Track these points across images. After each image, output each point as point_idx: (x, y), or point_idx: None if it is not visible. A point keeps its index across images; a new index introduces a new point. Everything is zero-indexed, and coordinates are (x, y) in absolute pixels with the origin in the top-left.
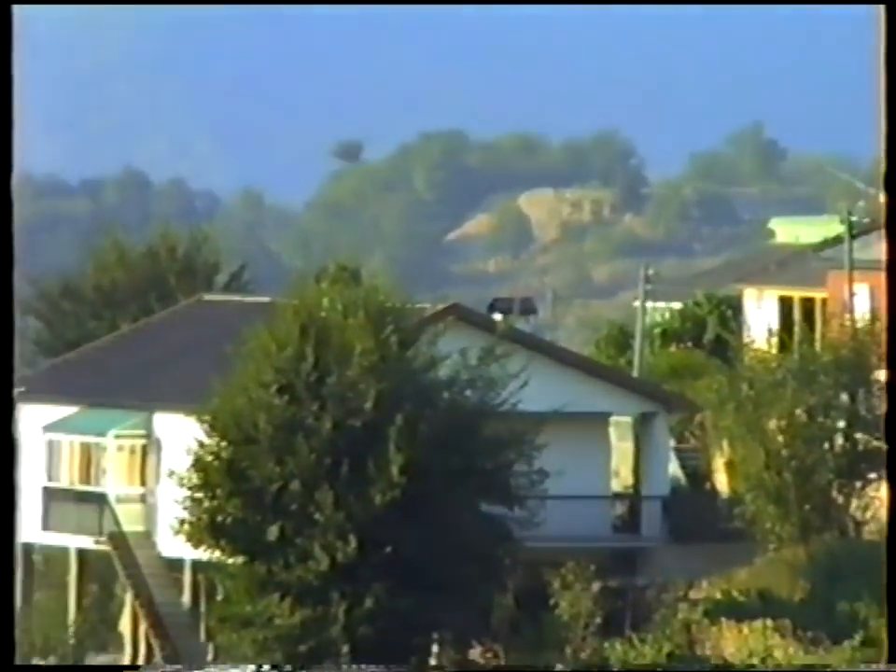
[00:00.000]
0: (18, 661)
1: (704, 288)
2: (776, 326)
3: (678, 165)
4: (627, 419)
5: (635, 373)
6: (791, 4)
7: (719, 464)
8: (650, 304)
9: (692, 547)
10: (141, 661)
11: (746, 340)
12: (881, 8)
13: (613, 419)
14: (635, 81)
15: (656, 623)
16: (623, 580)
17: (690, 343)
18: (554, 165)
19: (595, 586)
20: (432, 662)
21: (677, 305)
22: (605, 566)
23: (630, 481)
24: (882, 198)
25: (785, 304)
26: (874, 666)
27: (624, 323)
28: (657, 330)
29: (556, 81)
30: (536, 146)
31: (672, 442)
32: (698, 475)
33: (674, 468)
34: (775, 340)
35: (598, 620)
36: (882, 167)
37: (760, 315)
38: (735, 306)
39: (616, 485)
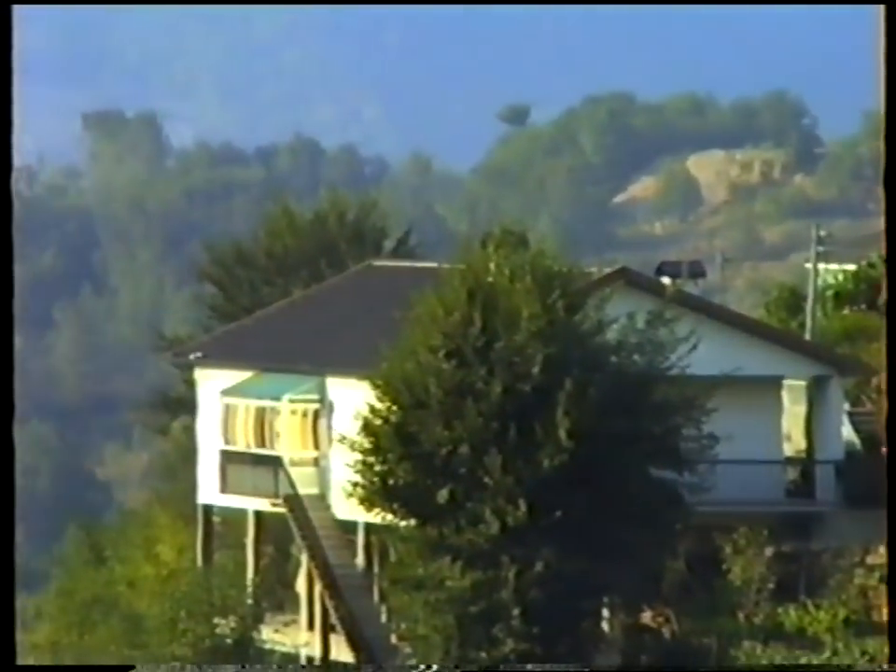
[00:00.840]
0: (199, 618)
1: (878, 250)
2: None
3: (851, 124)
4: (800, 383)
5: (807, 336)
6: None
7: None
8: (822, 266)
9: (868, 512)
10: (317, 621)
11: None
12: (881, 8)
13: (786, 383)
14: (806, 39)
15: (831, 588)
16: (797, 545)
17: (864, 306)
18: (723, 126)
19: (769, 551)
20: (604, 626)
21: (850, 267)
22: (778, 531)
23: (803, 445)
24: None
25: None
26: (874, 666)
27: (796, 285)
28: (830, 293)
29: (723, 40)
30: (704, 106)
31: (846, 406)
32: (874, 439)
33: (848, 431)
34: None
35: (771, 585)
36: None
37: None
38: None
39: (789, 450)
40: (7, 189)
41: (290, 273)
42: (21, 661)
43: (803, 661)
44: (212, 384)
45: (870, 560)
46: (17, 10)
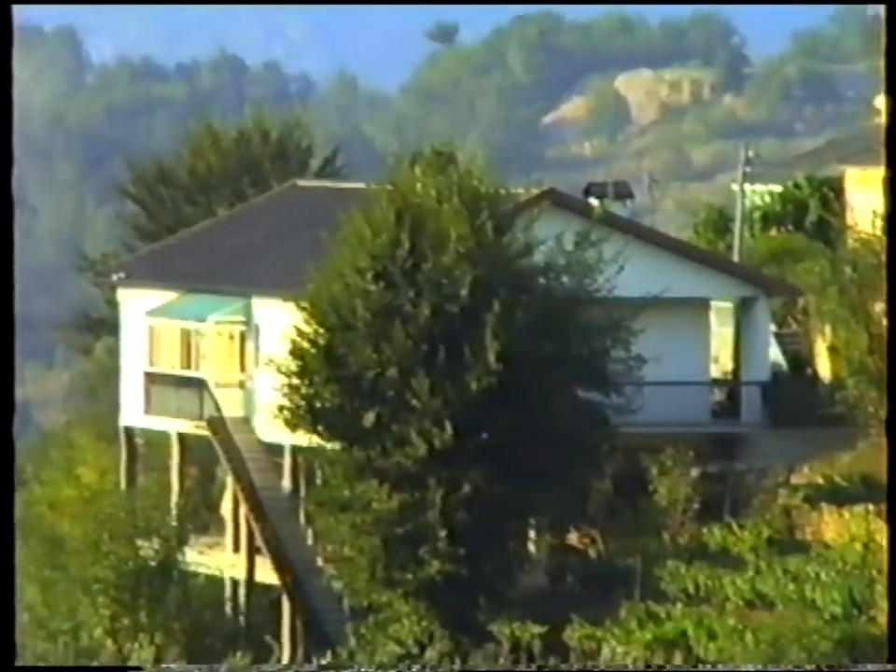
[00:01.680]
0: (122, 540)
1: (805, 170)
2: (880, 208)
3: (780, 43)
4: (727, 304)
5: (734, 258)
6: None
7: (821, 348)
8: (749, 187)
9: (792, 432)
10: (242, 543)
11: (849, 222)
12: (881, 8)
13: (713, 304)
14: None
15: (755, 508)
16: (723, 465)
17: (791, 227)
18: (653, 45)
19: (694, 472)
20: (530, 547)
21: (777, 188)
22: (704, 451)
23: (730, 366)
24: None
25: (891, 186)
26: (875, 667)
27: (724, 206)
28: (757, 214)
29: None
30: (633, 25)
31: (773, 328)
32: (800, 360)
33: (775, 353)
34: (879, 222)
35: (696, 505)
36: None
37: (863, 197)
38: (838, 188)
39: (715, 371)
40: (8, 189)
41: (214, 191)
42: None
43: (726, 580)
44: (135, 304)
45: (794, 480)
46: None
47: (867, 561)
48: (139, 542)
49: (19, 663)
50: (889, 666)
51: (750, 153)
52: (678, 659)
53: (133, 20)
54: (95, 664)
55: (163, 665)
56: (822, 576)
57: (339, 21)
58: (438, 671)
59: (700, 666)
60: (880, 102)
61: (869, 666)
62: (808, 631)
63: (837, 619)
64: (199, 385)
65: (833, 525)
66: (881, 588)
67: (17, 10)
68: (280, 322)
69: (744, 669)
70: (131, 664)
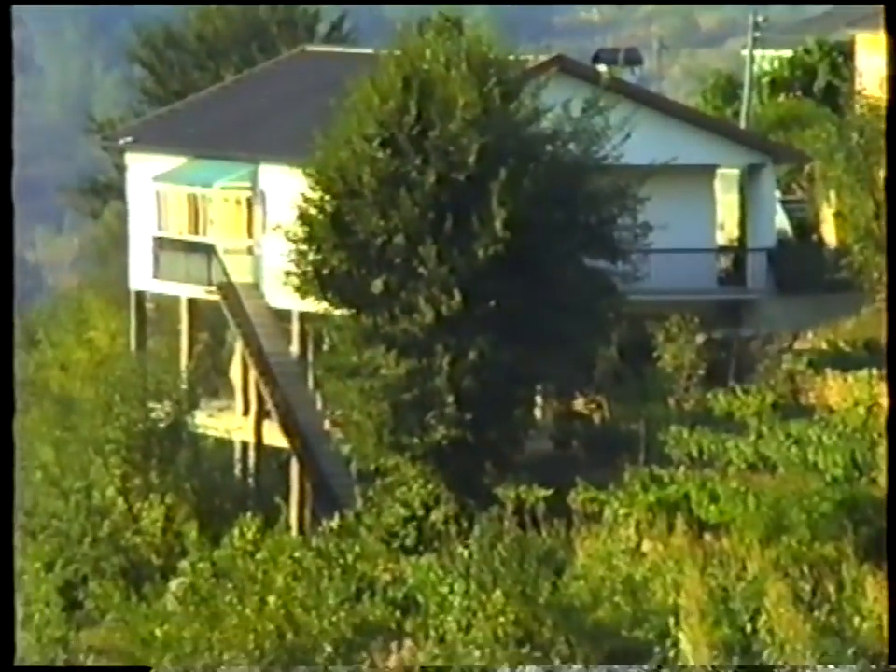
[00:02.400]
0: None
1: (815, 34)
2: (889, 72)
3: None
4: (733, 171)
5: (742, 124)
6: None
7: (826, 215)
8: (758, 52)
9: (797, 298)
10: (251, 407)
11: (857, 87)
12: (880, 8)
13: (719, 171)
14: None
15: (760, 373)
16: (728, 331)
17: (799, 92)
18: None
19: (699, 338)
20: (536, 413)
21: (786, 53)
22: (709, 318)
23: (735, 233)
24: None
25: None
26: (874, 666)
27: (732, 72)
28: (765, 79)
29: None
30: None
31: (779, 194)
32: (805, 226)
33: (780, 219)
34: (887, 86)
35: (702, 371)
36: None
37: (873, 61)
38: (848, 52)
39: (721, 238)
40: (8, 189)
41: (221, 56)
42: None
43: (729, 444)
44: (143, 169)
45: (798, 345)
46: None
47: (869, 424)
48: (150, 405)
49: (32, 521)
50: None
51: (759, 18)
52: (680, 521)
53: None
54: (106, 522)
55: (167, 667)
56: (825, 439)
57: None
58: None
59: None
60: None
61: (870, 667)
62: (809, 493)
63: (839, 481)
64: (207, 250)
65: (836, 390)
66: (882, 451)
67: None
68: (287, 188)
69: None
70: (142, 522)
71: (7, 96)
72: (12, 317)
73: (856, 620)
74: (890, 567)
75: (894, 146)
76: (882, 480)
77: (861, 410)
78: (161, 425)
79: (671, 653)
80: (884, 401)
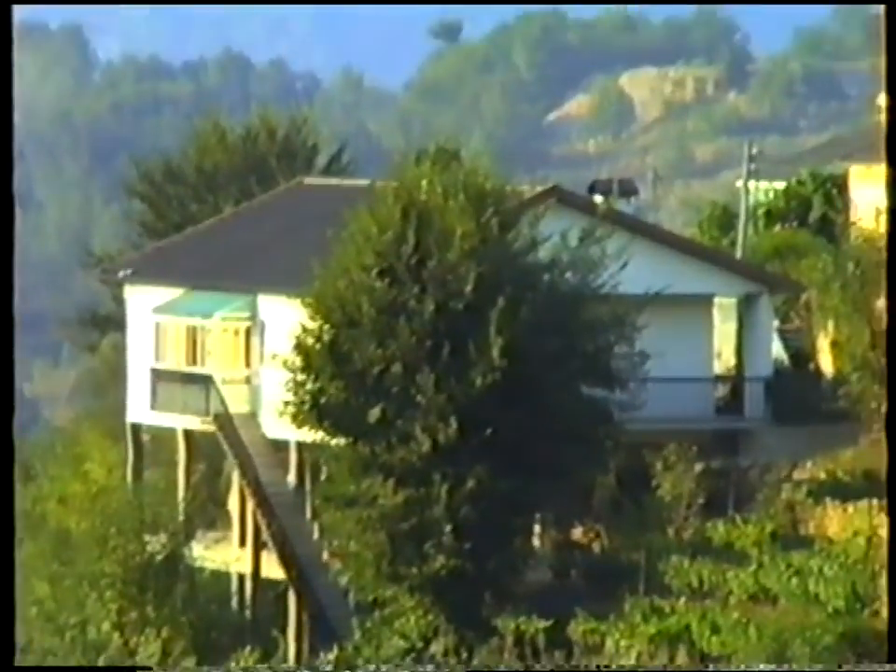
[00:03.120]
0: (129, 534)
1: (809, 167)
2: (883, 204)
3: (783, 40)
4: (730, 300)
5: (738, 254)
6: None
7: (823, 344)
8: (753, 184)
9: (795, 428)
10: (248, 538)
11: (852, 218)
12: (881, 8)
13: (716, 300)
14: None
15: (759, 503)
16: (726, 461)
17: (794, 223)
18: (656, 43)
19: (698, 467)
20: (535, 542)
21: (781, 184)
22: (707, 447)
23: (733, 362)
24: None
25: (894, 182)
26: (874, 666)
27: (727, 203)
28: (761, 210)
29: None
30: (636, 23)
31: (776, 323)
32: (802, 356)
33: (777, 349)
34: (882, 218)
35: (700, 500)
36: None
37: (867, 193)
38: (841, 184)
39: (719, 367)
40: (8, 189)
41: (220, 189)
42: None
43: (730, 574)
44: (142, 301)
45: (797, 475)
46: None
47: (870, 556)
48: (146, 537)
49: (28, 657)
50: (888, 667)
51: (754, 150)
52: (681, 653)
53: (140, 18)
54: (102, 657)
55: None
56: (826, 570)
57: (344, 18)
58: (444, 667)
59: (708, 665)
60: (882, 99)
61: (868, 666)
62: (811, 625)
63: (840, 613)
64: (205, 381)
65: (836, 520)
66: (884, 583)
67: (24, 8)
68: (286, 319)
69: (747, 670)
70: (138, 657)
71: (7, 96)
72: (12, 319)
73: None
74: (891, 566)
75: (894, 147)
76: (884, 612)
77: (862, 541)
78: (158, 557)
79: None
80: (883, 532)
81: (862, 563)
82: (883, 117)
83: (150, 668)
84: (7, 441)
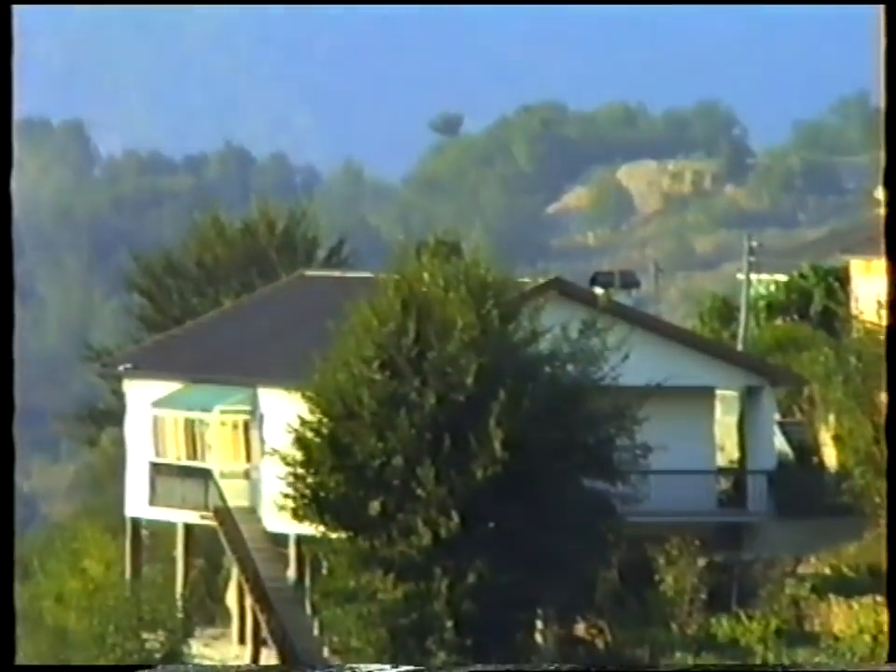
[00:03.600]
0: (127, 632)
1: (809, 260)
2: (884, 297)
3: (781, 134)
4: (732, 393)
5: (739, 347)
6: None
7: (826, 438)
8: (754, 276)
9: (799, 522)
10: (248, 634)
11: (854, 312)
12: (881, 8)
13: (718, 393)
14: (737, 50)
15: (763, 598)
16: (729, 555)
17: (796, 316)
18: (655, 136)
19: (701, 561)
20: (537, 637)
21: (782, 277)
22: (710, 541)
23: (735, 455)
24: None
25: (894, 275)
26: (874, 666)
27: (728, 295)
28: (762, 303)
29: (654, 50)
30: (636, 116)
31: (778, 416)
32: (805, 449)
33: (780, 442)
34: (884, 312)
35: (704, 595)
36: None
37: (868, 287)
38: (842, 277)
39: (721, 460)
40: (7, 189)
41: (221, 282)
42: None
43: None
44: (141, 395)
45: (801, 570)
46: None
47: (876, 653)
48: (144, 635)
49: None
50: (888, 666)
51: (754, 243)
52: None
53: (141, 112)
54: None
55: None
56: (832, 667)
57: (344, 111)
58: None
59: None
60: (881, 193)
61: (869, 667)
62: None
63: None
64: (204, 475)
65: (841, 617)
66: None
67: (25, 104)
68: (285, 412)
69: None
70: None
71: (7, 96)
72: (12, 318)
73: None
74: (890, 566)
75: (894, 147)
76: None
77: (868, 637)
78: (157, 655)
79: None
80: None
81: (868, 660)
82: (882, 210)
83: (151, 667)
84: (8, 442)
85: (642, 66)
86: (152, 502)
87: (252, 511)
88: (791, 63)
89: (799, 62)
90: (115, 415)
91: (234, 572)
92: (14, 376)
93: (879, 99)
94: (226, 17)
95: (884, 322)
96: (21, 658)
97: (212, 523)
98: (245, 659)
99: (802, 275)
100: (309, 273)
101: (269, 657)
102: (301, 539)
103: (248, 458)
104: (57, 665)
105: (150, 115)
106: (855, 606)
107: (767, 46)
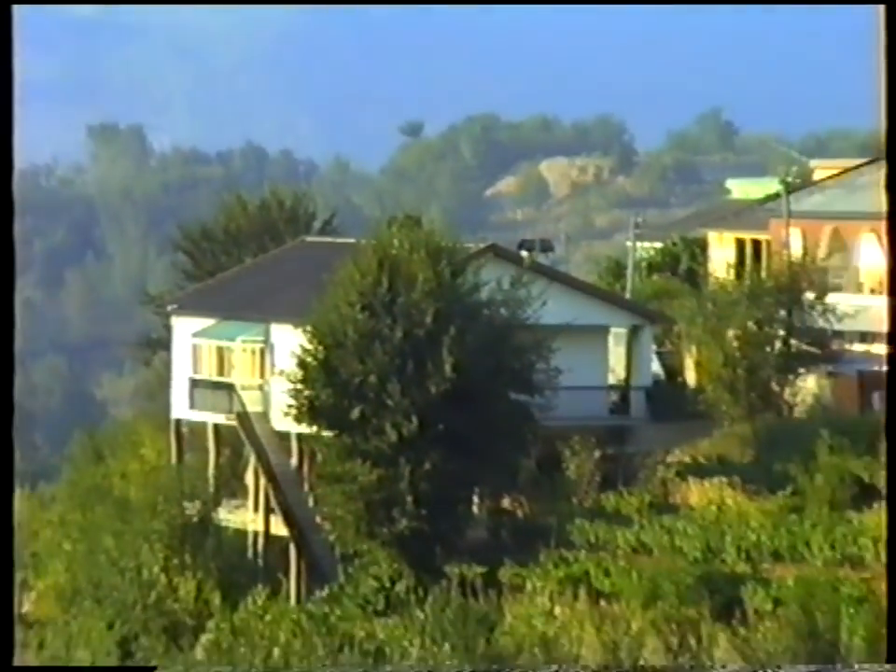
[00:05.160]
0: (173, 502)
1: (678, 232)
2: (732, 260)
3: (658, 140)
4: (622, 330)
5: (627, 296)
6: (789, 3)
7: (689, 363)
8: (638, 244)
9: (667, 424)
10: (261, 505)
11: (710, 271)
12: (881, 8)
13: (612, 330)
14: (627, 73)
15: (641, 480)
16: (617, 448)
17: (668, 274)
18: (566, 140)
19: (596, 454)
20: (474, 509)
21: (658, 245)
22: (603, 438)
23: (623, 375)
24: (811, 162)
25: (739, 244)
26: (874, 666)
27: (619, 258)
28: (644, 264)
29: (567, 74)
30: (551, 125)
31: (654, 347)
32: (673, 371)
33: (656, 366)
34: (732, 270)
35: (598, 478)
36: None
37: (720, 253)
38: (702, 246)
39: (612, 379)
40: (8, 190)
41: (242, 246)
42: (43, 520)
43: (618, 533)
44: (184, 328)
45: (668, 459)
46: (30, 45)
47: (720, 518)
48: (185, 504)
49: (99, 592)
50: (888, 667)
51: (639, 219)
52: (582, 591)
53: (184, 118)
54: (153, 593)
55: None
56: (688, 530)
57: (336, 119)
58: (408, 605)
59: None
60: (730, 184)
61: (868, 666)
62: (677, 570)
63: (698, 561)
64: (229, 388)
65: (696, 493)
66: (730, 538)
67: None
68: (290, 342)
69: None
70: (179, 593)
71: (8, 96)
72: (13, 318)
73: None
74: (890, 567)
75: (894, 147)
76: (730, 560)
77: (714, 508)
78: (194, 519)
79: None
80: (731, 501)
81: (714, 524)
82: (731, 195)
83: (153, 668)
84: (7, 441)
85: (557, 85)
86: (191, 407)
87: (264, 415)
88: (666, 84)
89: (673, 82)
90: (164, 343)
91: (251, 460)
92: (14, 376)
93: (732, 114)
94: (246, 44)
95: (731, 278)
96: (96, 518)
97: (234, 423)
98: (259, 524)
99: (673, 244)
100: (308, 239)
101: (276, 522)
102: (300, 437)
103: (262, 376)
104: (57, 666)
105: (191, 120)
106: (706, 485)
107: (649, 68)
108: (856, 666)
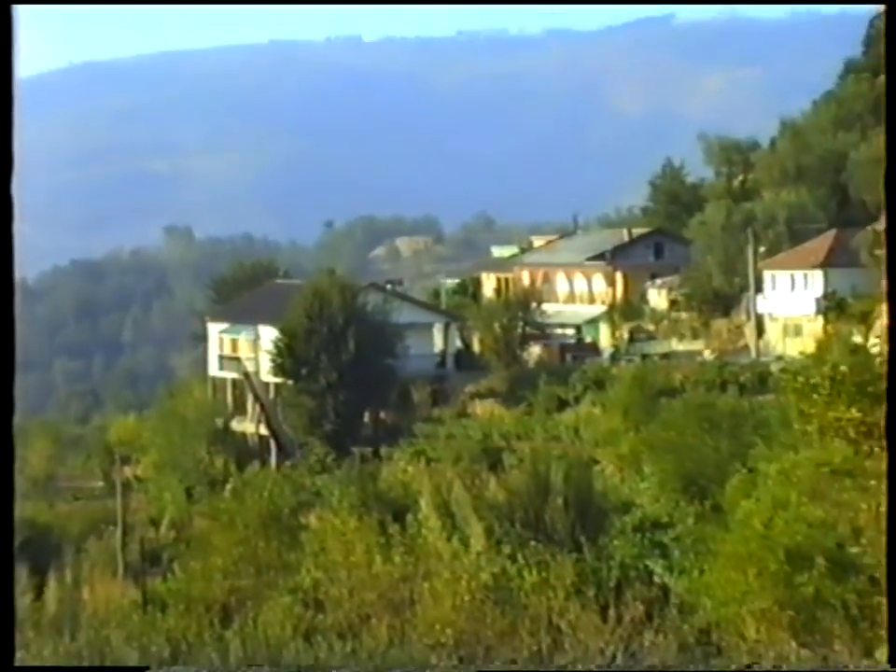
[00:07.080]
0: (208, 419)
1: (468, 274)
2: (494, 287)
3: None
4: (440, 325)
5: (443, 307)
6: (787, 3)
7: (475, 341)
8: (447, 280)
9: (465, 373)
10: (256, 419)
11: (484, 293)
12: (881, 8)
13: (435, 325)
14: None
15: (452, 402)
16: (439, 386)
17: (463, 295)
18: (410, 229)
19: (428, 389)
20: (366, 419)
21: (458, 280)
22: (431, 381)
23: (441, 348)
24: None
25: (498, 280)
26: (874, 666)
27: (437, 289)
28: (450, 291)
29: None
30: (401, 221)
31: (457, 333)
32: (468, 345)
33: (458, 342)
34: (494, 293)
35: (429, 402)
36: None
37: (489, 284)
38: (479, 281)
39: (436, 350)
40: (8, 190)
41: (242, 287)
42: (145, 426)
43: (439, 430)
44: (214, 328)
45: (467, 390)
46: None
47: (491, 420)
48: (216, 420)
49: (176, 463)
50: (889, 667)
51: (447, 271)
52: (422, 459)
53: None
54: (201, 465)
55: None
56: (475, 426)
57: (296, 215)
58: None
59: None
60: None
61: (869, 667)
62: (469, 446)
63: (480, 441)
64: (238, 360)
65: (479, 407)
66: (496, 430)
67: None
68: (270, 335)
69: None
70: (215, 465)
71: (8, 96)
72: (13, 318)
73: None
74: (890, 567)
75: (894, 148)
76: (496, 440)
77: (488, 415)
78: (219, 427)
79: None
80: (498, 412)
81: (488, 423)
82: (495, 255)
83: (147, 668)
84: (7, 441)
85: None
86: (220, 369)
87: (257, 374)
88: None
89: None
90: (204, 337)
91: (250, 396)
92: (14, 377)
93: (494, 211)
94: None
95: (491, 295)
96: (169, 429)
97: (242, 378)
98: (254, 429)
99: (465, 280)
100: (278, 281)
101: (263, 428)
102: (277, 386)
103: (255, 353)
104: (57, 666)
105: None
106: (484, 403)
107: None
108: (857, 666)
